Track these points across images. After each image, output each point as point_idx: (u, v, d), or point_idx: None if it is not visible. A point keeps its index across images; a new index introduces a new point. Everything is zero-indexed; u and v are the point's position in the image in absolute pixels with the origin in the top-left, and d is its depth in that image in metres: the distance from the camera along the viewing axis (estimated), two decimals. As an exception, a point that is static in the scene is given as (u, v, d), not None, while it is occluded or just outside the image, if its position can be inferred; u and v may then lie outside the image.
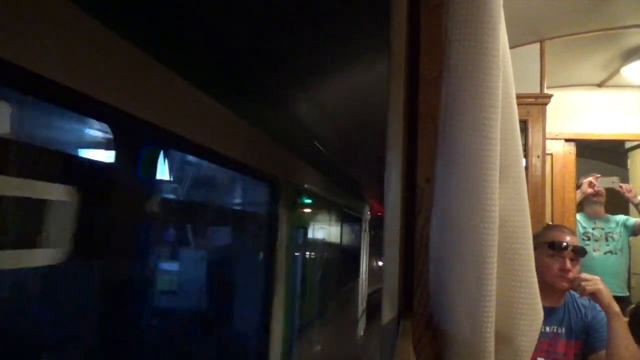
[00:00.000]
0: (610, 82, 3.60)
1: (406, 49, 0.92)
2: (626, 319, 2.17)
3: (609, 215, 3.69)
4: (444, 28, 0.75)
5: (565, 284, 1.84)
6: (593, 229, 3.63)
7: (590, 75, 3.59)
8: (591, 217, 3.67)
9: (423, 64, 0.86)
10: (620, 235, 3.61)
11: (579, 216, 3.67)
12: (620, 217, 3.69)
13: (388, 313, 0.86)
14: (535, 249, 1.86)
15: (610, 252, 3.57)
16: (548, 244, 1.88)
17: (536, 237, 1.92)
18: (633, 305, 2.13)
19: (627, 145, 4.37)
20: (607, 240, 3.59)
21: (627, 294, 3.61)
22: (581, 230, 3.63)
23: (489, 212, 0.69)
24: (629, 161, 4.42)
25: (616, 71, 3.42)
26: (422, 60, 0.87)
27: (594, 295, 1.76)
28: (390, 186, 0.91)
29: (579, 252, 1.90)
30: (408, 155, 0.89)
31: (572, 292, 1.96)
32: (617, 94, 3.61)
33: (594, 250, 3.57)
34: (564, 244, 1.86)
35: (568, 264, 1.84)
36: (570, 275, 1.84)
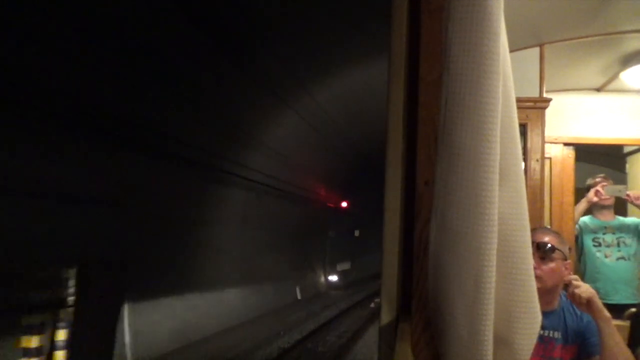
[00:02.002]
0: (609, 87, 3.61)
1: (406, 51, 0.92)
2: (622, 323, 2.17)
3: (619, 217, 3.64)
4: (444, 30, 0.75)
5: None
6: (604, 233, 3.56)
7: (589, 79, 3.60)
8: (601, 221, 3.60)
9: (423, 66, 0.86)
10: (633, 241, 3.52)
11: (587, 219, 3.63)
12: (633, 221, 3.60)
13: (386, 315, 0.86)
14: None
15: (623, 258, 3.49)
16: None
17: None
18: (633, 309, 2.12)
19: (626, 149, 4.38)
20: (619, 245, 3.52)
21: (639, 301, 3.46)
22: (591, 236, 3.57)
23: (488, 215, 0.69)
24: (627, 165, 4.44)
25: (615, 76, 3.43)
26: (422, 63, 0.87)
27: (589, 303, 1.74)
28: (389, 188, 0.91)
29: (542, 249, 1.88)
30: (407, 158, 0.89)
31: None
32: (616, 98, 3.61)
33: (606, 257, 3.50)
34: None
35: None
36: (538, 272, 1.82)
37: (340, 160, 15.45)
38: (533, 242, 1.83)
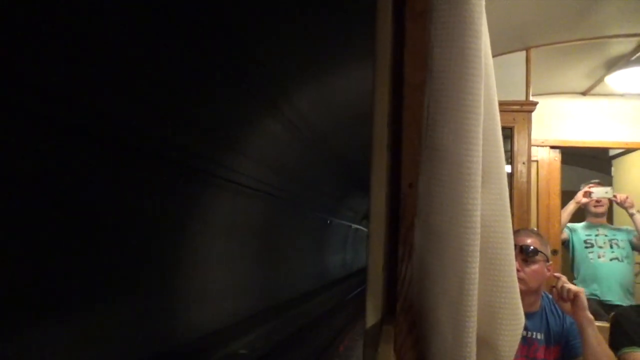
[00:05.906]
0: (595, 91, 3.66)
1: (391, 55, 0.92)
2: (604, 324, 2.19)
3: (610, 225, 3.68)
4: (427, 34, 0.76)
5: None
6: (596, 235, 3.58)
7: (575, 83, 3.64)
8: (594, 225, 3.64)
9: (407, 70, 0.87)
10: (625, 243, 3.55)
11: (579, 225, 3.65)
12: (626, 227, 3.63)
13: (371, 317, 0.86)
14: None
15: (616, 259, 3.51)
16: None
17: None
18: (613, 313, 2.14)
19: (611, 152, 4.44)
20: (611, 247, 3.54)
21: (633, 303, 3.44)
22: (582, 238, 3.60)
23: (470, 218, 0.70)
24: (612, 168, 4.49)
25: (600, 80, 3.48)
26: (406, 67, 0.87)
27: (575, 299, 1.74)
28: (374, 191, 0.91)
29: (525, 252, 1.90)
30: (392, 161, 0.89)
31: (550, 295, 1.97)
32: (601, 102, 3.66)
33: (599, 257, 3.52)
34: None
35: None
36: (521, 274, 1.84)
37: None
38: (516, 245, 1.85)
